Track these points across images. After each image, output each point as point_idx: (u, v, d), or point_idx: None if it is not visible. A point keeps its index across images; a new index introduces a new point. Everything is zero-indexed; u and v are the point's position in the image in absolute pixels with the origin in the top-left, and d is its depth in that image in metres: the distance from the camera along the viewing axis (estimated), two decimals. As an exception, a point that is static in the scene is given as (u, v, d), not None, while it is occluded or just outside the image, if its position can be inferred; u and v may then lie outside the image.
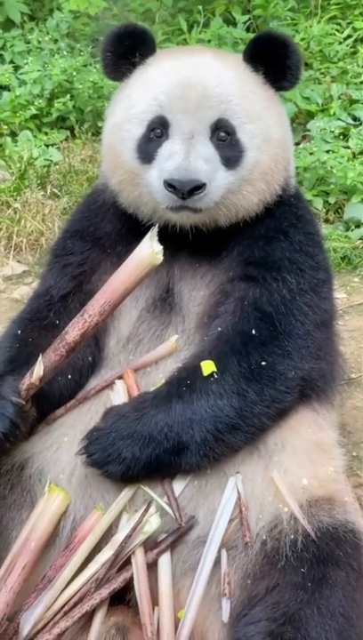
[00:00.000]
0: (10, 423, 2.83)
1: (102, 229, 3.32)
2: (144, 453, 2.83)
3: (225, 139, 3.06)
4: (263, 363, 2.94)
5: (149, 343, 3.12)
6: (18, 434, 2.88)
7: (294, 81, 3.21)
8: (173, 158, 2.97)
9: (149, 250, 2.75)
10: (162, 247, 2.76)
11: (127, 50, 3.21)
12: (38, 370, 2.81)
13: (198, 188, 2.94)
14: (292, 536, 2.83)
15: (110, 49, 3.23)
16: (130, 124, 3.14)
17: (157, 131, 3.07)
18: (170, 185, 2.93)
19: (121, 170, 3.19)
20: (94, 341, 3.15)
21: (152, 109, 3.09)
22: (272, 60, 3.16)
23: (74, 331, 2.79)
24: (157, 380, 3.01)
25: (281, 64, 3.16)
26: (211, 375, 2.89)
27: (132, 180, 3.16)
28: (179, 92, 3.05)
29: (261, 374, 2.93)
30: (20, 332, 3.17)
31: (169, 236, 3.01)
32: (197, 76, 3.07)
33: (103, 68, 3.29)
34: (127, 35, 3.21)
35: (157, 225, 2.86)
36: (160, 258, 2.76)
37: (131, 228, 3.22)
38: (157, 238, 2.76)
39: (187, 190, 2.93)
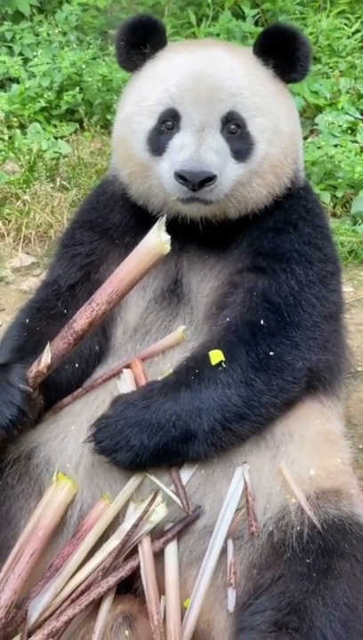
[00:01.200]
0: (17, 410, 2.85)
1: (111, 220, 3.34)
2: (152, 441, 2.85)
3: (235, 131, 3.07)
4: (271, 353, 2.95)
5: (156, 333, 3.14)
6: (25, 421, 2.89)
7: (304, 72, 3.23)
8: (184, 150, 2.98)
9: (157, 239, 2.76)
10: (170, 237, 2.77)
11: (139, 40, 3.24)
12: (46, 358, 2.83)
13: (209, 179, 2.95)
14: (298, 527, 2.85)
15: (124, 38, 3.25)
16: (141, 116, 3.16)
17: (168, 123, 3.08)
18: (181, 176, 2.95)
19: (131, 162, 3.20)
20: (102, 330, 3.17)
21: (163, 102, 3.10)
22: (282, 52, 3.17)
23: (82, 319, 2.81)
24: (164, 369, 3.03)
25: (291, 56, 3.18)
26: (219, 364, 2.91)
27: (142, 172, 3.17)
28: (190, 84, 3.06)
29: (268, 364, 2.95)
30: (28, 320, 3.20)
31: (178, 228, 3.03)
32: (208, 69, 3.09)
33: (117, 57, 3.32)
34: (140, 25, 3.24)
35: (165, 215, 2.86)
36: (168, 247, 2.77)
37: (139, 220, 3.24)
38: (164, 228, 2.78)
39: (198, 182, 2.94)
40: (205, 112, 3.04)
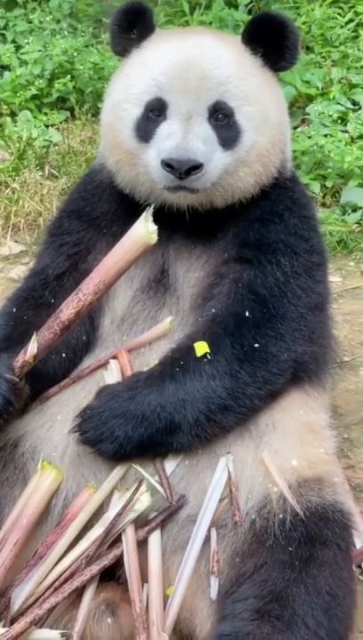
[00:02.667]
0: (3, 400, 2.85)
1: (98, 209, 3.33)
2: (137, 432, 2.85)
3: (223, 120, 3.07)
4: (256, 344, 2.96)
5: (143, 324, 3.14)
6: (11, 410, 2.90)
7: (292, 61, 3.23)
8: (171, 138, 2.98)
9: (144, 230, 2.76)
10: (157, 227, 2.77)
11: (129, 25, 3.24)
12: (32, 348, 2.83)
13: (196, 167, 2.95)
14: (281, 515, 2.85)
15: (117, 23, 3.27)
16: (128, 104, 3.15)
17: (156, 111, 3.08)
18: (168, 164, 2.94)
19: (119, 149, 3.20)
20: (89, 320, 3.17)
21: (151, 90, 3.10)
22: (271, 41, 3.16)
23: (68, 309, 2.81)
24: (150, 360, 3.03)
25: (279, 45, 3.17)
26: (204, 356, 2.91)
27: (129, 160, 3.17)
28: (178, 72, 3.06)
29: (253, 356, 2.95)
30: (15, 309, 3.20)
31: (165, 217, 3.02)
32: (196, 58, 3.08)
33: (111, 41, 3.34)
34: (130, 10, 3.25)
35: (152, 205, 2.87)
36: (155, 238, 2.77)
37: (127, 209, 3.23)
38: (151, 218, 2.78)
39: (184, 170, 2.94)
40: (192, 100, 3.04)
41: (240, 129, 3.09)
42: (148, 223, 2.77)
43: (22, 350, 2.87)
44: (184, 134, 2.97)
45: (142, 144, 3.10)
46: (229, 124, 3.08)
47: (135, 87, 3.15)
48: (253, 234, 3.16)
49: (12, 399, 2.87)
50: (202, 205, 3.15)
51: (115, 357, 3.06)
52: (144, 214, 2.79)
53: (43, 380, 3.08)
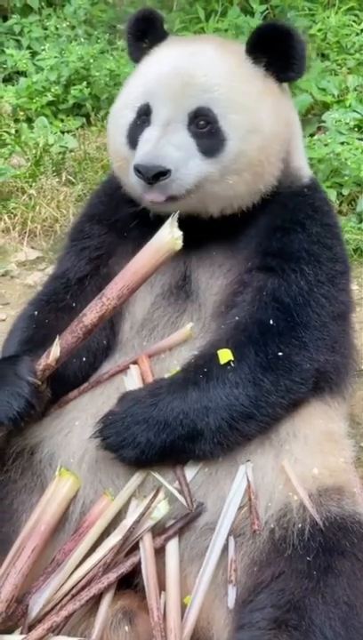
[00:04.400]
0: (25, 403, 2.85)
1: (118, 214, 3.34)
2: (159, 439, 2.85)
3: (204, 127, 3.05)
4: (280, 353, 2.96)
5: (163, 329, 3.14)
6: (32, 414, 2.90)
7: (300, 71, 3.20)
8: (144, 144, 3.01)
9: (169, 235, 2.77)
10: (182, 233, 2.78)
11: (142, 33, 3.30)
12: (55, 351, 2.84)
13: (163, 173, 2.95)
14: (300, 525, 2.85)
15: (130, 31, 3.33)
16: (125, 110, 3.20)
17: (143, 117, 3.11)
18: (137, 170, 2.96)
19: (118, 155, 3.24)
20: (109, 325, 3.17)
21: (142, 96, 3.13)
22: (276, 50, 3.14)
23: (92, 313, 2.82)
24: (171, 366, 3.04)
25: (285, 54, 3.15)
26: (227, 364, 2.91)
27: (125, 166, 3.18)
28: (165, 79, 3.09)
29: (277, 364, 2.95)
30: (36, 313, 3.21)
31: (188, 224, 3.00)
32: (185, 65, 3.10)
33: (127, 49, 3.41)
34: (141, 19, 3.31)
35: (178, 211, 2.88)
36: (180, 244, 2.78)
37: (147, 213, 3.22)
38: (176, 224, 2.79)
39: (151, 175, 2.95)
40: (172, 107, 3.05)
41: (224, 137, 3.07)
42: (173, 229, 2.78)
43: (45, 353, 2.89)
44: (157, 140, 2.99)
45: (132, 150, 3.12)
46: (211, 131, 3.06)
47: (131, 93, 3.20)
48: (275, 243, 3.15)
49: (33, 402, 2.87)
50: (197, 214, 3.14)
51: (135, 363, 3.06)
52: (169, 220, 2.81)
53: (63, 383, 3.08)
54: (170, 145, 2.99)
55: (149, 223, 3.12)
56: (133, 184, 3.09)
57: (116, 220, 3.32)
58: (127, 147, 3.16)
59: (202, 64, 3.10)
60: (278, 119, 3.19)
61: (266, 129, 3.12)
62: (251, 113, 3.10)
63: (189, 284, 3.19)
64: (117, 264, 3.22)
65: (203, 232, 3.16)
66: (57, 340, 2.86)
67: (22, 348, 3.08)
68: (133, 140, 3.12)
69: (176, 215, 2.82)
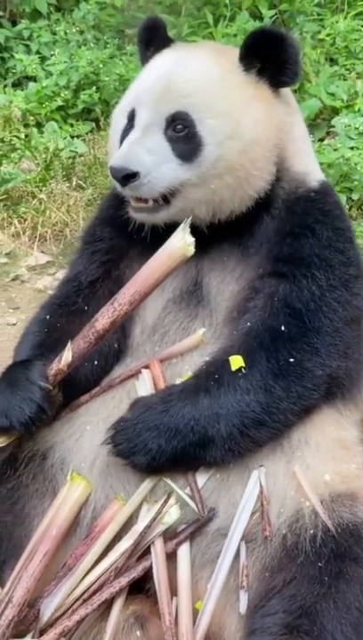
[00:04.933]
0: (37, 408, 2.87)
1: (128, 216, 3.31)
2: (170, 445, 2.85)
3: (181, 132, 3.05)
4: (291, 359, 2.95)
5: (174, 335, 3.13)
6: (44, 418, 2.92)
7: (294, 76, 3.18)
8: (121, 147, 3.04)
9: (182, 241, 2.78)
10: (194, 239, 2.79)
11: (148, 42, 3.35)
12: (67, 356, 2.86)
13: (132, 176, 2.98)
14: (312, 531, 2.85)
15: (139, 39, 3.39)
16: (119, 116, 3.25)
17: (130, 122, 3.15)
18: (110, 171, 3.02)
19: None
20: (120, 328, 3.15)
21: (131, 102, 3.18)
22: (269, 56, 3.13)
23: (104, 319, 2.84)
24: (182, 371, 3.04)
25: (278, 59, 3.13)
26: (239, 370, 2.91)
27: None
28: (147, 85, 3.14)
29: (288, 371, 2.94)
30: (48, 317, 3.23)
31: (199, 230, 3.02)
32: (167, 70, 3.13)
33: (139, 57, 3.45)
34: (146, 27, 3.36)
35: (190, 217, 2.89)
36: (192, 250, 2.79)
37: None
38: (189, 230, 2.80)
39: (120, 177, 2.98)
40: (151, 111, 3.07)
41: (201, 142, 3.05)
42: (185, 235, 2.79)
43: (57, 358, 2.90)
44: (130, 144, 3.02)
45: None
46: (188, 135, 3.05)
47: (125, 100, 3.26)
48: (286, 248, 3.13)
49: (45, 407, 2.89)
50: (184, 217, 3.07)
51: (147, 367, 3.06)
52: (182, 225, 2.82)
53: (75, 387, 3.09)
54: (142, 148, 3.01)
55: (161, 227, 3.13)
56: (117, 185, 3.12)
57: (127, 224, 3.31)
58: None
59: (184, 70, 3.12)
60: (268, 125, 3.14)
61: (247, 135, 3.08)
62: (231, 118, 3.08)
63: (200, 289, 3.19)
64: (128, 267, 3.26)
65: (214, 238, 3.16)
66: (69, 344, 2.87)
67: (34, 352, 3.09)
68: (121, 144, 3.14)
69: (189, 221, 2.83)
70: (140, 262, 3.10)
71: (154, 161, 3.01)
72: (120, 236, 3.33)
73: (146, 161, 3.00)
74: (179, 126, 3.06)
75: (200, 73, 3.12)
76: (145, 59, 3.37)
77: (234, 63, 3.17)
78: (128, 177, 2.98)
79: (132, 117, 3.14)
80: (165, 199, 3.05)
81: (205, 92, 3.09)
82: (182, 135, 3.05)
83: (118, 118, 3.25)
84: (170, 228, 2.98)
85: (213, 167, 3.05)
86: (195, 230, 2.88)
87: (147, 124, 3.06)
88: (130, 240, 3.30)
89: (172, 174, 3.03)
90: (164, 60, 3.22)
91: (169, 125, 3.06)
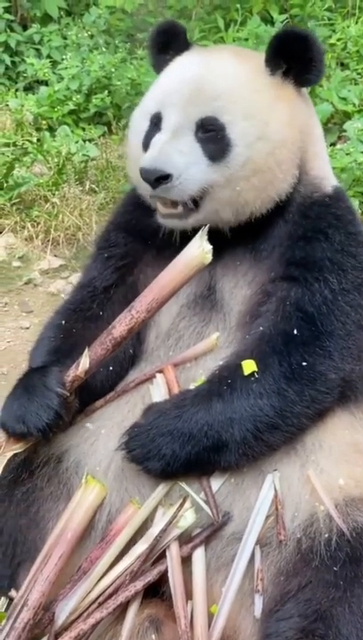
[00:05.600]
0: (54, 414, 2.87)
1: (145, 222, 3.31)
2: (184, 451, 2.86)
3: (211, 134, 3.06)
4: (304, 363, 2.95)
5: (189, 339, 3.13)
6: (61, 424, 2.93)
7: (319, 74, 3.20)
8: (150, 149, 3.03)
9: (199, 249, 2.79)
10: (211, 247, 2.80)
11: (163, 46, 3.33)
12: (84, 362, 2.87)
13: (165, 177, 2.97)
14: (327, 535, 2.85)
15: (152, 44, 3.38)
16: (140, 119, 3.23)
17: (155, 125, 3.13)
18: (142, 173, 2.99)
19: (133, 164, 3.23)
20: (136, 334, 3.14)
21: (155, 105, 3.17)
22: (294, 56, 3.15)
23: (121, 326, 2.85)
24: (196, 375, 3.04)
25: (304, 59, 3.16)
26: (252, 375, 2.91)
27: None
28: (175, 88, 3.12)
29: (301, 374, 2.94)
30: (63, 322, 3.22)
31: (212, 234, 2.99)
32: (195, 73, 3.13)
33: (151, 62, 3.45)
34: (162, 31, 3.34)
35: (207, 225, 2.89)
36: (209, 257, 2.80)
37: None
38: (206, 237, 2.80)
39: (153, 179, 2.97)
40: (181, 114, 3.07)
41: (231, 143, 3.06)
42: (202, 242, 2.80)
43: (74, 365, 2.91)
44: (161, 145, 3.01)
45: None
46: (217, 138, 3.06)
47: (146, 102, 3.24)
48: (298, 252, 3.13)
49: (62, 413, 2.90)
50: (214, 225, 3.11)
51: (161, 372, 3.06)
52: (199, 233, 2.83)
53: (90, 392, 3.09)
54: (174, 150, 3.01)
55: (177, 233, 3.14)
56: (142, 189, 3.13)
57: (142, 229, 3.32)
58: (143, 153, 3.14)
59: (212, 73, 3.13)
60: (292, 126, 3.17)
61: (275, 136, 3.11)
62: (259, 120, 3.10)
63: (214, 294, 3.18)
64: (143, 272, 3.26)
65: (227, 242, 3.16)
66: (86, 351, 2.88)
67: (50, 357, 3.09)
68: (145, 148, 3.13)
69: (206, 229, 2.83)
70: (154, 268, 3.14)
71: (186, 162, 3.01)
72: (135, 242, 3.33)
73: (179, 162, 2.99)
74: (209, 128, 3.06)
75: (228, 76, 3.13)
76: (161, 62, 3.35)
77: (259, 65, 3.19)
78: (160, 179, 2.97)
79: (156, 120, 3.13)
80: (195, 203, 3.05)
81: (233, 95, 3.10)
82: (212, 137, 3.06)
83: (139, 121, 3.24)
84: (184, 234, 3.00)
85: (241, 169, 3.06)
86: (209, 234, 2.89)
87: (176, 127, 3.05)
88: (145, 245, 3.31)
89: (202, 176, 3.04)
90: (188, 63, 3.22)
91: (199, 128, 3.07)
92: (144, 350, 3.21)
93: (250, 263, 3.19)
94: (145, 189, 3.08)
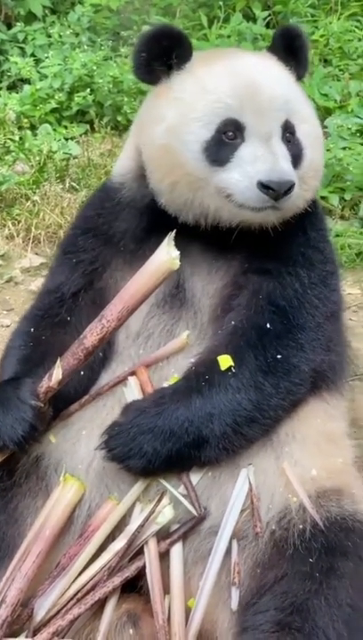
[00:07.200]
0: (29, 427, 2.89)
1: (116, 227, 3.31)
2: (165, 448, 2.87)
3: (290, 139, 3.10)
4: (279, 356, 2.98)
5: (159, 338, 3.14)
6: (37, 436, 2.94)
7: (307, 69, 3.33)
8: (262, 160, 2.97)
9: (167, 256, 2.80)
10: (179, 252, 2.81)
11: (163, 52, 3.17)
12: (57, 373, 2.87)
13: (292, 188, 2.97)
14: (300, 526, 2.87)
15: (145, 49, 3.19)
16: (191, 127, 3.08)
17: (230, 134, 3.04)
18: (265, 186, 2.94)
19: (180, 171, 3.10)
20: None
21: (219, 112, 3.06)
22: (295, 52, 3.23)
23: (92, 336, 2.85)
24: (169, 374, 3.05)
25: (299, 54, 3.24)
26: (228, 369, 2.93)
27: (192, 182, 3.09)
28: (248, 93, 3.05)
29: (276, 367, 2.97)
30: (32, 329, 3.22)
31: (179, 233, 2.94)
32: (261, 78, 3.10)
33: (135, 68, 3.23)
34: (165, 36, 3.18)
35: (174, 231, 2.86)
36: (177, 263, 2.80)
37: (145, 227, 3.25)
38: (173, 243, 2.80)
39: (283, 191, 2.95)
40: (268, 121, 3.05)
41: (302, 146, 3.13)
42: (170, 249, 2.80)
43: (46, 376, 2.91)
44: (275, 156, 2.99)
45: (214, 167, 3.04)
46: (294, 142, 3.11)
47: (197, 110, 3.08)
48: (276, 246, 3.15)
49: (37, 425, 2.91)
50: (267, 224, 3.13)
51: (133, 374, 3.06)
52: (166, 240, 2.82)
53: (63, 398, 3.08)
54: (285, 159, 3.01)
55: (145, 236, 3.18)
56: (236, 198, 3.02)
57: (113, 234, 3.31)
58: (204, 163, 3.05)
59: (273, 76, 3.16)
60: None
61: (320, 134, 3.27)
62: (311, 120, 3.21)
63: (183, 292, 3.19)
64: (112, 277, 3.25)
65: (196, 239, 3.17)
66: (58, 362, 2.88)
67: (22, 367, 3.09)
68: (217, 157, 3.04)
69: (173, 234, 2.82)
70: (124, 272, 3.16)
71: (292, 169, 3.04)
72: (104, 246, 3.31)
73: (293, 171, 3.02)
74: (288, 134, 3.09)
75: (283, 79, 3.18)
76: (155, 68, 3.20)
77: (282, 65, 3.25)
78: (289, 190, 2.96)
79: (232, 129, 3.03)
80: None
81: (294, 97, 3.16)
82: (292, 142, 3.10)
83: (191, 129, 3.06)
84: (152, 236, 3.04)
85: (307, 171, 3.15)
86: (179, 232, 2.89)
87: (269, 134, 3.03)
88: (114, 250, 3.29)
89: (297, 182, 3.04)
90: (243, 68, 3.14)
91: (284, 134, 3.08)
92: (115, 351, 3.20)
93: (225, 257, 3.20)
94: (253, 199, 2.99)
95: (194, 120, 3.08)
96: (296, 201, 3.10)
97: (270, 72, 3.16)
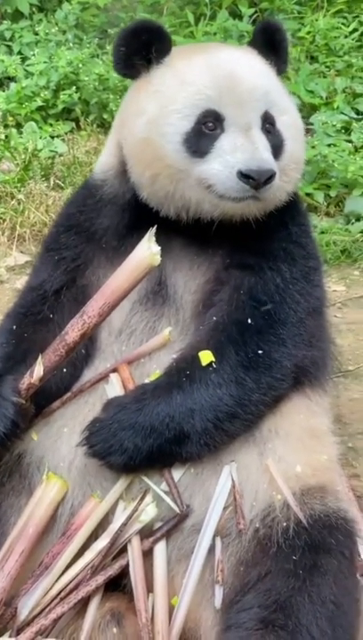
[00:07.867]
0: (11, 423, 2.88)
1: (98, 224, 3.31)
2: (146, 444, 2.86)
3: (271, 130, 3.10)
4: (260, 351, 2.97)
5: (141, 334, 3.14)
6: (18, 433, 2.94)
7: (286, 64, 3.36)
8: (241, 150, 2.97)
9: (148, 252, 2.79)
10: (160, 248, 2.80)
11: (143, 46, 3.17)
12: (38, 370, 2.87)
13: (272, 177, 2.97)
14: (284, 523, 2.86)
15: (124, 44, 3.19)
16: (171, 119, 3.08)
17: (209, 124, 3.04)
18: (245, 175, 2.94)
19: (160, 163, 3.09)
20: None
21: (199, 103, 3.06)
22: (275, 47, 3.25)
23: (74, 332, 2.84)
24: (151, 370, 3.04)
25: (283, 48, 3.27)
26: (209, 365, 2.92)
27: (173, 174, 3.08)
28: (227, 85, 3.06)
29: (258, 362, 2.96)
30: (15, 327, 3.20)
31: (161, 229, 2.95)
32: (241, 69, 3.11)
33: (115, 63, 3.24)
34: (144, 30, 3.18)
35: (155, 226, 2.86)
36: (158, 259, 2.79)
37: (127, 224, 3.24)
38: (154, 239, 2.80)
39: (263, 180, 2.94)
40: (248, 112, 3.05)
41: (282, 137, 3.14)
42: (151, 244, 2.79)
43: (28, 372, 2.91)
44: (255, 145, 2.99)
45: (195, 158, 3.04)
46: (274, 133, 3.12)
47: (177, 102, 3.08)
48: (256, 241, 3.15)
49: (18, 421, 2.90)
50: (243, 216, 3.13)
51: (115, 371, 3.06)
52: (147, 236, 2.81)
53: (45, 395, 3.07)
54: (265, 148, 3.01)
55: (128, 233, 3.17)
56: (216, 189, 3.02)
57: (95, 231, 3.30)
58: (184, 154, 3.05)
59: (253, 67, 3.16)
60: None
61: (301, 126, 3.28)
62: (291, 111, 3.23)
63: (165, 288, 3.18)
64: (94, 274, 3.24)
65: (178, 235, 3.17)
66: (40, 358, 2.88)
67: (4, 364, 3.07)
68: (197, 148, 3.04)
69: (153, 230, 2.82)
70: (106, 269, 3.16)
71: (273, 159, 3.04)
72: (86, 243, 3.30)
73: (273, 161, 3.02)
74: (268, 124, 3.10)
75: (263, 71, 3.19)
76: (136, 63, 3.20)
77: (262, 59, 3.26)
78: (270, 179, 2.96)
79: (211, 120, 3.04)
80: None
81: (274, 89, 3.17)
82: (271, 133, 3.11)
83: (170, 122, 3.07)
84: (134, 233, 3.04)
85: (287, 162, 3.15)
86: (161, 228, 2.90)
87: (248, 125, 3.03)
88: (97, 247, 3.29)
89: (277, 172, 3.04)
90: (223, 61, 3.14)
91: (263, 124, 3.09)
92: (97, 348, 3.19)
93: (207, 253, 3.19)
94: (233, 189, 2.99)
95: (174, 112, 3.08)
96: (277, 192, 3.09)
97: (249, 64, 3.16)
